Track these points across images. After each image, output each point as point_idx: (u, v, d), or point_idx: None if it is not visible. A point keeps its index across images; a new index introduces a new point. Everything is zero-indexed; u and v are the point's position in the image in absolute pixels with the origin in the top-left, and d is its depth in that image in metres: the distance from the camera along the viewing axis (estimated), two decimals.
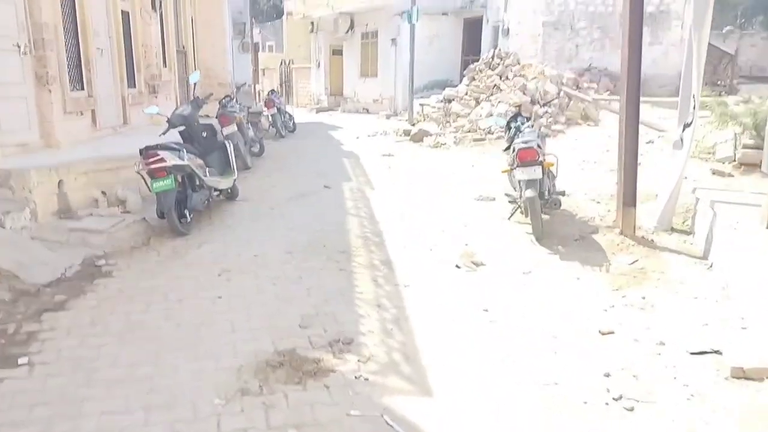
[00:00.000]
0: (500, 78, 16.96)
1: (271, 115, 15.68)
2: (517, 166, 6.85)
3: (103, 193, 7.00)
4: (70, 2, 8.44)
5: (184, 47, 13.78)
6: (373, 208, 8.18)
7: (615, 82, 19.18)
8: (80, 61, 8.62)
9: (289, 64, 30.99)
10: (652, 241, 6.72)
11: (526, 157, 6.78)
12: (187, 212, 6.78)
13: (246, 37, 20.17)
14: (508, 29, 20.04)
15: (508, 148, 8.09)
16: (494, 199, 8.63)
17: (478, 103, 16.85)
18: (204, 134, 7.74)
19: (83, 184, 6.92)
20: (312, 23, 28.15)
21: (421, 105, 18.19)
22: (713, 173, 8.37)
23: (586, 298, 5.26)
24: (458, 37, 22.72)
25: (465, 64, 22.57)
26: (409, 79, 18.40)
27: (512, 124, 8.03)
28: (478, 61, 21.73)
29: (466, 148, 13.32)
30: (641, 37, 6.83)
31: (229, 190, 8.08)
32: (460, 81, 22.79)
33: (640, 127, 13.13)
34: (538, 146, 6.90)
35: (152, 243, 6.52)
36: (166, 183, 6.38)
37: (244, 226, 7.29)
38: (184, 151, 6.72)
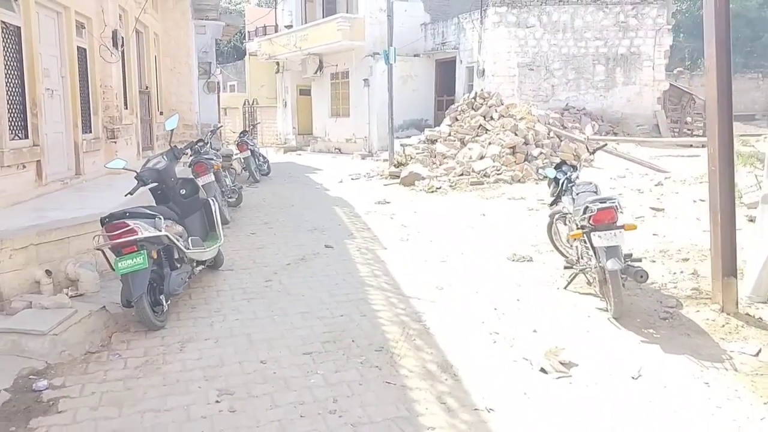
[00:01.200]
0: (484, 118, 15.50)
1: (244, 159, 13.76)
2: (592, 230, 5.16)
3: (48, 272, 4.98)
4: (14, 37, 6.50)
5: (147, 87, 11.82)
6: (393, 274, 6.33)
7: (597, 121, 18.08)
8: (25, 104, 6.64)
9: (253, 103, 29.10)
10: (760, 319, 5.09)
11: (605, 219, 5.10)
12: (162, 298, 4.81)
13: (212, 77, 18.30)
14: (484, 70, 18.77)
15: (554, 203, 6.42)
16: (531, 259, 6.92)
17: (463, 143, 15.33)
18: (183, 192, 5.82)
19: (21, 261, 4.89)
20: (278, 63, 26.43)
21: (402, 146, 16.55)
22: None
23: (739, 421, 3.53)
24: (431, 77, 21.35)
25: (439, 104, 21.22)
26: (389, 119, 16.77)
27: (559, 175, 6.35)
28: (453, 101, 20.45)
29: (464, 193, 11.66)
30: (730, 75, 5.16)
31: (213, 259, 6.12)
32: (435, 120, 21.45)
33: (640, 168, 11.60)
34: (618, 205, 5.23)
35: (115, 344, 4.52)
36: (136, 261, 4.43)
37: (238, 309, 5.32)
38: (161, 217, 4.80)
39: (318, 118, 24.28)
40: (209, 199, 6.07)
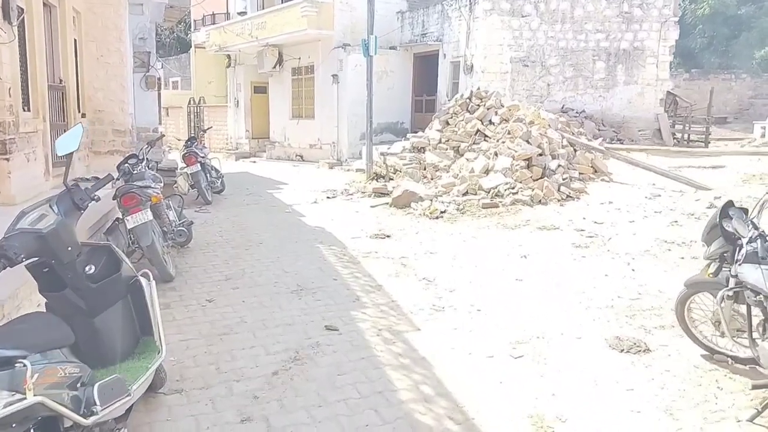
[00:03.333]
0: (482, 122, 13.21)
1: (193, 174, 11.03)
2: None
3: None
4: None
5: (62, 81, 8.98)
6: (451, 390, 3.84)
7: (598, 125, 16.04)
8: None
9: (199, 102, 26.04)
10: None
11: None
12: None
13: (151, 70, 15.33)
14: (472, 66, 16.48)
15: (717, 272, 4.06)
16: (645, 347, 4.57)
17: (458, 153, 12.99)
18: (90, 269, 3.21)
19: None
20: (229, 57, 23.54)
21: (383, 155, 14.10)
22: None
23: None
24: (408, 73, 18.93)
25: (417, 105, 18.86)
26: (367, 122, 14.29)
27: (726, 226, 3.96)
28: (434, 101, 18.11)
29: (477, 219, 9.27)
30: None
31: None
32: (413, 123, 19.05)
33: (665, 181, 9.41)
34: None
35: None
36: None
37: None
38: (26, 364, 2.20)
39: (276, 119, 21.54)
40: (139, 279, 3.45)
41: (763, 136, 20.96)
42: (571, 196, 10.29)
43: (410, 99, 18.94)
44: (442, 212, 9.71)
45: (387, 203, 10.87)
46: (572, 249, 7.47)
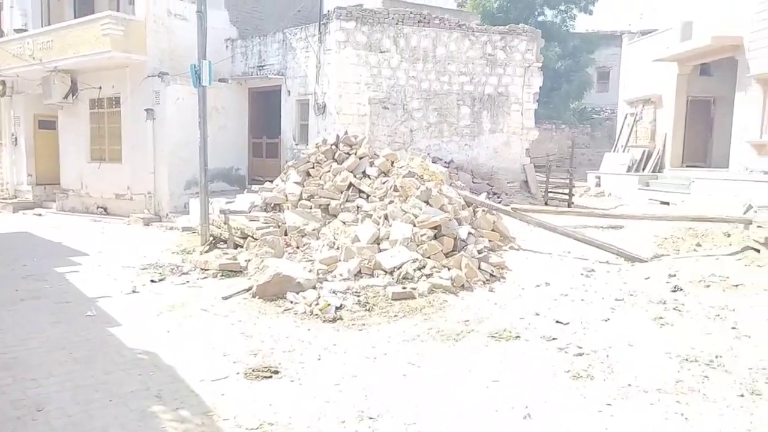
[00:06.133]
0: (354, 175, 10.39)
1: None
2: None
3: None
4: None
5: None
6: None
7: (470, 176, 14.01)
8: None
9: None
10: None
11: None
12: None
13: None
14: (325, 105, 13.68)
15: None
16: None
17: (328, 212, 10.00)
18: None
19: None
20: (3, 83, 18.10)
21: (223, 212, 10.54)
22: None
23: None
24: (243, 112, 15.53)
25: (256, 149, 15.58)
26: (201, 171, 10.63)
27: None
28: (277, 145, 14.89)
29: (395, 321, 6.24)
30: None
31: None
32: (250, 170, 15.59)
33: (582, 249, 7.44)
34: None
35: None
36: None
37: None
38: None
39: (70, 162, 16.65)
40: None
41: (597, 185, 20.89)
42: (494, 275, 7.73)
43: (246, 141, 15.50)
44: (338, 310, 6.53)
45: (247, 290, 7.42)
46: (570, 382, 4.80)
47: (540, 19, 27.80)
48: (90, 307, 6.79)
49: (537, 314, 6.42)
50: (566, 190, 16.09)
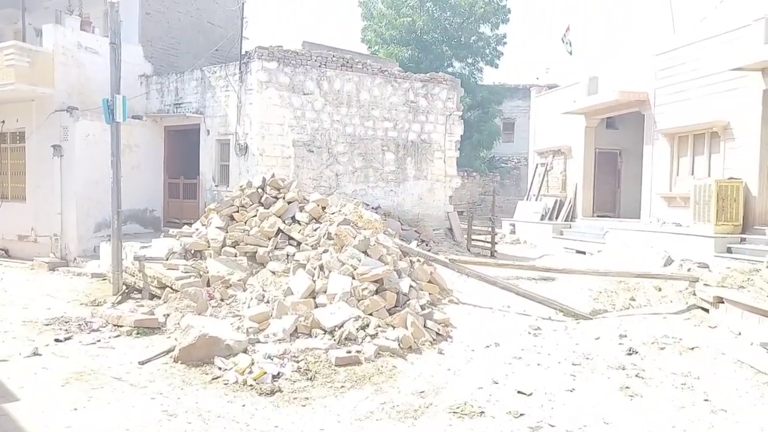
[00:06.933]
0: (283, 220, 9.77)
1: None
2: None
3: None
4: None
5: None
6: None
7: (403, 225, 13.65)
8: None
9: None
10: None
11: None
12: None
13: None
14: (247, 146, 13.02)
15: None
16: None
17: (255, 261, 9.30)
18: None
19: None
20: None
21: (137, 259, 9.54)
22: None
23: None
24: (159, 150, 14.53)
25: (172, 190, 14.58)
26: (113, 213, 9.64)
27: None
28: (195, 186, 13.95)
29: (342, 393, 5.61)
30: None
31: None
32: (166, 212, 14.51)
33: (526, 305, 7.33)
34: None
35: None
36: None
37: None
38: None
39: None
40: None
41: (512, 232, 21.21)
42: (441, 334, 7.31)
43: (162, 181, 14.45)
44: (275, 378, 5.82)
45: (167, 352, 6.54)
46: None
47: (450, 70, 28.44)
48: None
49: (495, 382, 6.01)
50: (488, 238, 16.15)
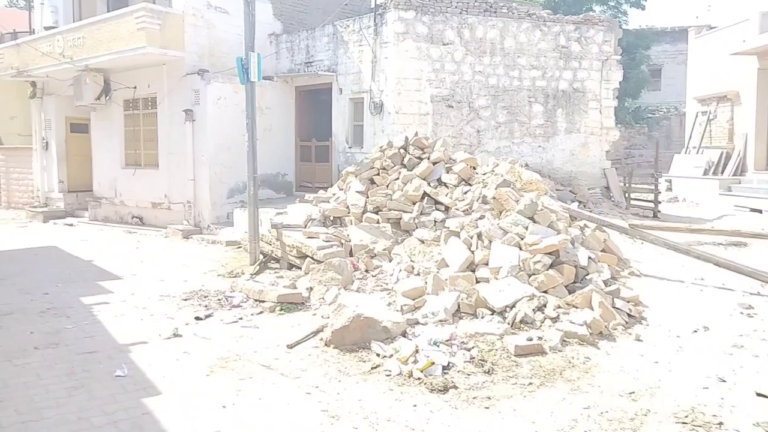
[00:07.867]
0: (428, 183, 8.65)
1: None
2: None
3: None
4: None
5: None
6: None
7: (548, 183, 12.13)
8: None
9: None
10: None
11: None
12: None
13: None
14: (382, 104, 11.99)
15: None
16: None
17: (400, 227, 8.30)
18: None
19: None
20: (33, 84, 16.84)
21: (275, 227, 8.93)
22: None
23: None
24: (290, 112, 13.93)
25: (304, 153, 13.98)
26: (250, 179, 9.09)
27: None
28: (328, 148, 13.24)
29: (530, 393, 4.47)
30: None
31: None
32: (297, 176, 13.95)
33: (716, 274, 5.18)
34: None
35: None
36: None
37: None
38: None
39: (103, 168, 15.27)
40: None
41: (669, 189, 18.82)
42: (633, 316, 5.90)
43: (293, 144, 13.89)
44: (445, 369, 4.79)
45: (316, 333, 5.74)
46: None
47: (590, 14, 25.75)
48: (120, 363, 5.15)
49: (722, 380, 4.59)
50: (645, 196, 14.23)
